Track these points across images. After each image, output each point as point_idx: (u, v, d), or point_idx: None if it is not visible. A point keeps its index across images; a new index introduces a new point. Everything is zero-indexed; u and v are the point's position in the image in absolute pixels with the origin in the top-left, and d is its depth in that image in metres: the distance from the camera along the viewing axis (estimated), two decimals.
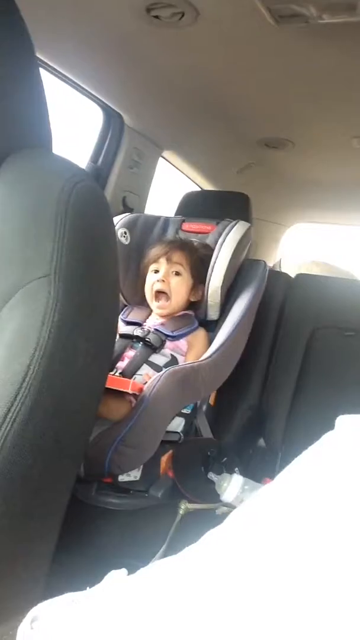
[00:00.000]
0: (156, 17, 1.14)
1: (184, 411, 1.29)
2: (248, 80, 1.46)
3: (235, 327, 1.36)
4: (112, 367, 1.28)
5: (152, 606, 0.30)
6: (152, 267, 1.44)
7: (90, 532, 1.11)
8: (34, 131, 0.63)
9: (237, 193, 1.72)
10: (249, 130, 1.86)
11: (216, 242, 1.48)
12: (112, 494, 1.12)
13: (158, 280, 1.40)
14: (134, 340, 1.35)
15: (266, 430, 1.56)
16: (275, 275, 1.74)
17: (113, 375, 1.23)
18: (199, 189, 2.20)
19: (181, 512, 1.13)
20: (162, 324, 1.39)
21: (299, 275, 1.78)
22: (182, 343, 1.38)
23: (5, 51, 0.57)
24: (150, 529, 1.16)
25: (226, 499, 1.14)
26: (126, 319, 1.44)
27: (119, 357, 1.32)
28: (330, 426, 0.35)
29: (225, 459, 1.26)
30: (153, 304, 1.42)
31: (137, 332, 1.35)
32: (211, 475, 1.18)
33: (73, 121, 1.69)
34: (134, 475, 1.13)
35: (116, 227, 1.52)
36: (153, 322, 1.42)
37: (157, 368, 1.30)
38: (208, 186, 2.23)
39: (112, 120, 1.64)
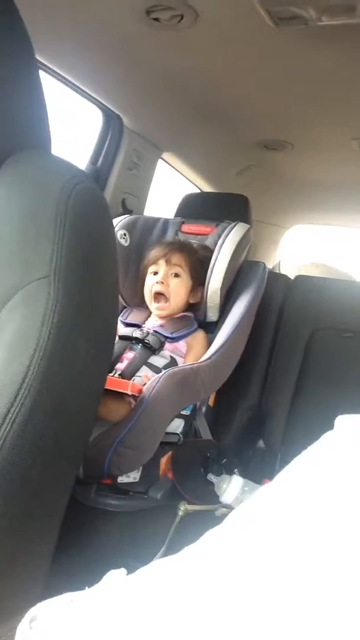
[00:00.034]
0: (155, 19, 1.14)
1: (184, 412, 1.29)
2: (247, 82, 1.47)
3: (235, 329, 1.36)
4: (112, 368, 1.28)
5: (151, 606, 0.30)
6: (151, 268, 1.45)
7: (90, 533, 1.10)
8: (34, 132, 0.63)
9: (237, 195, 1.73)
10: (249, 132, 1.86)
11: (215, 243, 1.48)
12: (112, 496, 1.12)
13: (157, 282, 1.40)
14: (133, 341, 1.35)
15: (266, 432, 1.56)
16: (275, 277, 1.74)
17: (112, 376, 1.23)
18: (199, 191, 2.21)
19: (180, 513, 1.13)
20: (161, 326, 1.39)
21: (298, 277, 1.78)
22: (181, 344, 1.38)
23: (4, 53, 0.57)
24: (150, 530, 1.16)
25: (226, 500, 1.14)
26: (125, 321, 1.44)
27: (118, 358, 1.32)
28: (329, 427, 0.35)
29: (224, 460, 1.26)
30: (152, 305, 1.43)
31: (136, 333, 1.35)
32: (210, 477, 1.18)
33: (73, 123, 1.69)
34: (134, 476, 1.13)
35: (116, 229, 1.52)
36: (152, 323, 1.42)
37: (156, 369, 1.30)
38: (207, 188, 2.23)
39: (112, 122, 1.65)
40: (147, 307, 1.47)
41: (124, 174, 1.71)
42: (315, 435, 0.35)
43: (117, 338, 1.35)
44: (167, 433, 1.21)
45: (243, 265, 1.54)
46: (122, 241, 1.51)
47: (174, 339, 1.37)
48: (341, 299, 1.67)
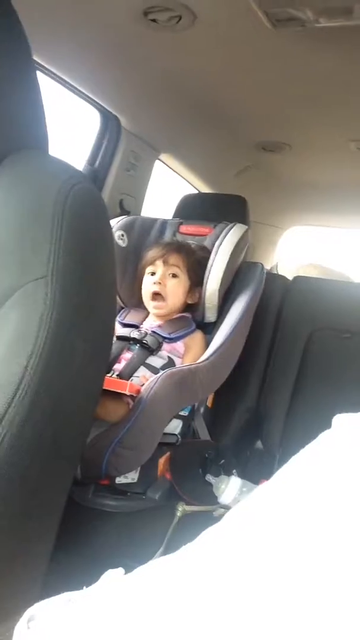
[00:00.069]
0: (153, 20, 1.14)
1: (182, 413, 1.30)
2: (245, 84, 1.47)
3: (233, 330, 1.36)
4: (109, 369, 1.28)
5: (149, 605, 0.30)
6: (149, 269, 1.45)
7: (87, 533, 1.10)
8: (31, 133, 0.63)
9: (235, 196, 1.73)
10: (246, 133, 1.86)
11: (213, 244, 1.48)
12: (109, 496, 1.12)
13: (155, 283, 1.40)
14: (131, 342, 1.35)
15: (264, 433, 1.56)
16: (273, 278, 1.74)
17: (110, 377, 1.23)
18: (197, 192, 2.21)
19: (179, 514, 1.13)
20: (159, 326, 1.40)
21: (296, 278, 1.78)
22: (179, 345, 1.38)
23: (2, 53, 0.57)
24: (148, 531, 1.16)
25: (224, 501, 1.14)
26: (123, 321, 1.44)
27: (116, 359, 1.32)
28: (328, 428, 0.35)
29: (222, 461, 1.26)
30: (150, 304, 1.43)
31: (134, 334, 1.35)
32: (209, 477, 1.18)
33: (70, 124, 1.69)
34: (131, 477, 1.13)
35: (113, 230, 1.53)
36: (150, 324, 1.42)
37: (154, 370, 1.30)
38: (205, 189, 2.23)
39: (109, 123, 1.65)
40: (144, 308, 1.47)
41: (121, 175, 1.72)
42: (313, 436, 0.35)
43: (114, 338, 1.35)
44: (165, 434, 1.21)
45: (241, 266, 1.54)
46: (120, 242, 1.52)
47: (172, 340, 1.37)
48: (339, 300, 1.67)
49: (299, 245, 2.99)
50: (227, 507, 1.14)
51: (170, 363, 1.34)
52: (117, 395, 1.11)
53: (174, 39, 1.23)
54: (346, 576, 0.25)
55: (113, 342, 1.28)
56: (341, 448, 0.32)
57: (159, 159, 1.90)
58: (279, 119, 1.70)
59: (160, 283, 1.40)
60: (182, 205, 1.76)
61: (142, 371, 1.29)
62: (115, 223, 1.54)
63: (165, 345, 1.36)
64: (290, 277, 1.81)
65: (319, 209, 2.65)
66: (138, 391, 1.12)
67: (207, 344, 1.39)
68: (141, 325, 1.41)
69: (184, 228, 1.61)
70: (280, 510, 0.30)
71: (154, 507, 1.14)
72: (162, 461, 1.19)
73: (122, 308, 1.53)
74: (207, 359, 1.28)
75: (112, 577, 0.37)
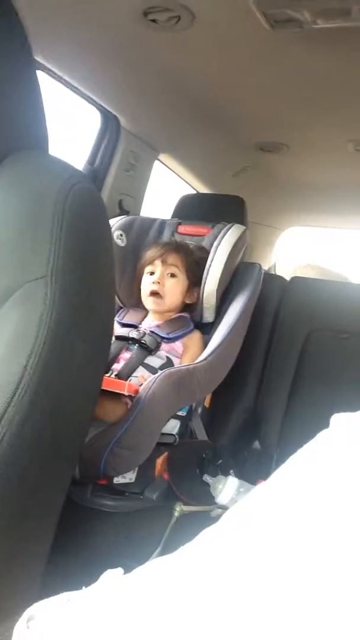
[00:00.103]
0: (153, 20, 1.14)
1: (180, 413, 1.30)
2: (243, 84, 1.47)
3: (231, 330, 1.37)
4: (108, 369, 1.28)
5: (148, 604, 0.30)
6: (148, 269, 1.45)
7: (85, 533, 1.10)
8: (31, 133, 0.63)
9: (233, 196, 1.73)
10: (245, 134, 1.86)
11: (212, 244, 1.48)
12: (107, 496, 1.12)
13: (153, 282, 1.40)
14: (130, 342, 1.35)
15: (261, 433, 1.56)
16: (270, 278, 1.74)
17: (109, 377, 1.23)
18: (195, 192, 2.21)
19: (176, 514, 1.13)
20: (157, 326, 1.40)
21: (294, 279, 1.78)
22: (177, 345, 1.38)
23: (2, 53, 0.57)
24: (145, 531, 1.16)
25: (221, 501, 1.14)
26: (122, 321, 1.44)
27: (115, 359, 1.32)
28: (325, 428, 0.35)
29: (220, 461, 1.26)
30: (148, 299, 1.43)
31: (133, 334, 1.35)
32: (206, 478, 1.18)
33: (70, 123, 1.69)
34: (129, 477, 1.13)
35: (112, 230, 1.53)
36: (149, 324, 1.42)
37: (152, 370, 1.30)
38: (204, 189, 2.23)
39: (109, 123, 1.65)
40: (143, 308, 1.47)
41: (120, 175, 1.72)
42: (311, 436, 0.35)
43: (113, 338, 1.35)
44: (163, 434, 1.21)
45: (239, 266, 1.55)
46: (119, 242, 1.52)
47: (170, 340, 1.37)
48: (336, 301, 1.67)
49: (297, 246, 3.00)
50: (224, 508, 1.14)
51: (168, 363, 1.34)
52: (116, 395, 1.11)
53: (173, 39, 1.23)
54: (344, 576, 0.25)
55: (112, 342, 1.29)
56: (339, 448, 0.32)
57: (158, 159, 1.90)
58: (277, 120, 1.71)
59: (159, 282, 1.40)
60: (181, 205, 1.76)
61: (140, 371, 1.29)
62: (115, 223, 1.54)
63: (164, 345, 1.36)
64: (287, 277, 1.81)
65: (317, 209, 2.66)
66: (136, 391, 1.12)
67: (205, 344, 1.39)
68: (140, 325, 1.41)
69: (182, 228, 1.61)
70: (278, 511, 0.30)
71: (151, 507, 1.14)
72: (159, 461, 1.19)
73: (121, 308, 1.53)
74: (205, 359, 1.28)
75: (111, 577, 0.38)
